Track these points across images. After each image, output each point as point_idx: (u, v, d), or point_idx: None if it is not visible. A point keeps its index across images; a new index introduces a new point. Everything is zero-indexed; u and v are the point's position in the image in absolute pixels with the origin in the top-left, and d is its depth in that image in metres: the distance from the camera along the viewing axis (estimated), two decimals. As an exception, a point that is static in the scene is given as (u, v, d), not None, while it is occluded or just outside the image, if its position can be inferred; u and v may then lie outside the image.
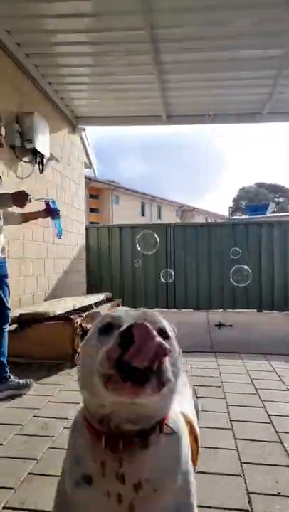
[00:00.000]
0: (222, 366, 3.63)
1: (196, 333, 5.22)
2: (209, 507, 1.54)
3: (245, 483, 1.73)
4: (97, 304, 5.20)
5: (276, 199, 53.59)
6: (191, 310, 7.43)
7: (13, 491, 1.66)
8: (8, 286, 2.92)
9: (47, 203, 3.11)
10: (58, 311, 4.13)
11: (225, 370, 3.50)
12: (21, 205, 2.73)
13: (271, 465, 1.88)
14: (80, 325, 3.94)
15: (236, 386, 3.05)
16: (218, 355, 4.06)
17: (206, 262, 7.41)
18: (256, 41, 3.90)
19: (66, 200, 6.09)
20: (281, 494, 1.65)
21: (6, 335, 2.90)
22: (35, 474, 1.79)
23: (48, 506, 1.36)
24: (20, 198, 2.68)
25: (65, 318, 3.93)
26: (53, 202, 3.14)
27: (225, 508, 1.55)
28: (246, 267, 3.76)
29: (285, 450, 2.03)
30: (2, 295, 2.84)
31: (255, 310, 7.32)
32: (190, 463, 0.95)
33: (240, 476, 1.79)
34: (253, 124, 5.90)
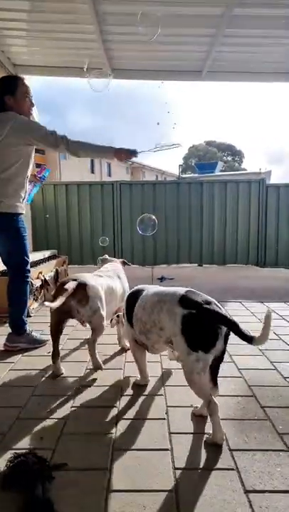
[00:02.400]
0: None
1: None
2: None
3: (166, 400, 2.09)
4: (43, 261, 5.30)
5: (224, 157, 54.54)
6: (137, 266, 7.77)
7: None
8: None
9: (43, 168, 3.20)
10: (1, 267, 4.20)
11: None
12: (121, 159, 2.91)
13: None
14: (25, 280, 4.07)
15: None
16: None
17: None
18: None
19: (7, 155, 5.90)
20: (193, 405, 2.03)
21: None
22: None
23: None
24: (125, 154, 2.85)
25: (10, 273, 4.02)
26: (48, 170, 3.23)
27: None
28: (153, 217, 3.91)
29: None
30: None
31: (196, 264, 7.84)
32: None
33: (162, 395, 2.14)
34: (195, 81, 5.97)
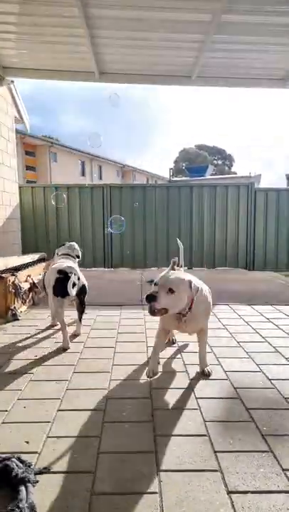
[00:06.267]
0: (147, 316, 4.00)
1: (128, 290, 5.55)
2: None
3: (152, 403, 2.09)
4: (31, 264, 5.27)
5: (215, 161, 54.95)
6: (128, 269, 7.77)
7: None
8: None
9: None
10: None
11: (149, 319, 3.87)
12: None
13: (175, 388, 2.27)
14: (13, 282, 4.05)
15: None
16: (145, 307, 4.41)
17: (142, 224, 7.69)
18: (187, 3, 3.95)
19: (-4, 157, 5.87)
20: (179, 408, 2.04)
21: None
22: None
23: None
24: None
25: (-3, 276, 3.99)
26: None
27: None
28: (122, 217, 4.42)
29: (189, 378, 2.43)
30: None
31: (186, 268, 7.87)
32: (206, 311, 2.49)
33: (149, 398, 2.15)
34: (184, 86, 6.03)
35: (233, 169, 55.42)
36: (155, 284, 2.23)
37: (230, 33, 4.45)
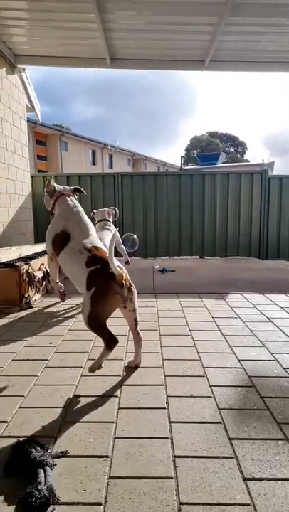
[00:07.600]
0: (160, 304, 4.01)
1: (140, 278, 5.55)
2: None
3: (166, 390, 2.10)
4: (44, 253, 5.30)
5: (227, 149, 54.12)
6: (139, 258, 7.78)
7: None
8: None
9: None
10: (4, 259, 4.24)
11: (161, 307, 3.88)
12: None
13: (189, 376, 2.28)
14: (27, 271, 4.09)
15: (169, 320, 3.44)
16: (158, 295, 4.43)
17: (153, 212, 7.66)
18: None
19: (8, 146, 5.88)
20: (193, 395, 2.05)
21: None
22: None
23: None
24: None
25: (11, 265, 4.04)
26: None
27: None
28: (134, 236, 4.77)
29: (203, 366, 2.43)
30: None
31: (198, 257, 7.84)
32: None
33: (163, 385, 2.16)
34: (197, 71, 5.91)
35: (245, 157, 54.57)
36: None
37: (246, 14, 4.32)
